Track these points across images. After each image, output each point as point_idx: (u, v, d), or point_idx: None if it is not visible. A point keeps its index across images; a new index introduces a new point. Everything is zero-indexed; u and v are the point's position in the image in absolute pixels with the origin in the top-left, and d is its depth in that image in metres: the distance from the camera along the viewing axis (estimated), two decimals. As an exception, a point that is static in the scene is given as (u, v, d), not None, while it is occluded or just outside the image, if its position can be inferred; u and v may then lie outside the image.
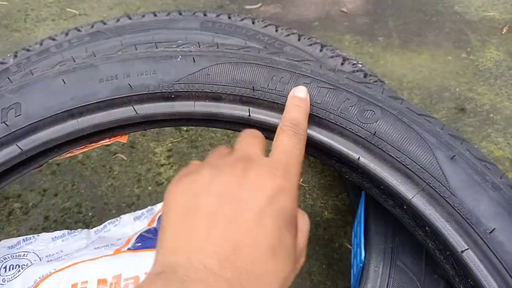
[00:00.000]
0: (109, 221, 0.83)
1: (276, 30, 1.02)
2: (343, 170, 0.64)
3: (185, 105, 0.64)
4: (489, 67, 1.14)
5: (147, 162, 1.00)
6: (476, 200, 0.53)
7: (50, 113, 0.62)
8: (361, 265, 0.65)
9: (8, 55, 1.03)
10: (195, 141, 1.04)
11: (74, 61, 0.65)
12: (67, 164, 1.01)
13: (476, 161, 0.57)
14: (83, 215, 0.90)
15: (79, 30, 1.09)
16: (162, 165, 0.99)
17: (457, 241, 0.52)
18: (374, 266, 0.62)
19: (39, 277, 0.69)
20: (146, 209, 0.85)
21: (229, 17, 1.07)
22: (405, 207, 0.57)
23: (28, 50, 1.06)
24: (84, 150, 0.68)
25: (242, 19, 1.06)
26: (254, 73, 0.63)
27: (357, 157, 0.59)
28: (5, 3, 1.53)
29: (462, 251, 0.52)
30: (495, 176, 0.56)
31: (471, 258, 0.52)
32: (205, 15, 1.09)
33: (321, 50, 0.97)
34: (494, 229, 0.51)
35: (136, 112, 0.64)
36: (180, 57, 0.65)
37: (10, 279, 0.70)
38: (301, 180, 0.95)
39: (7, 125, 0.60)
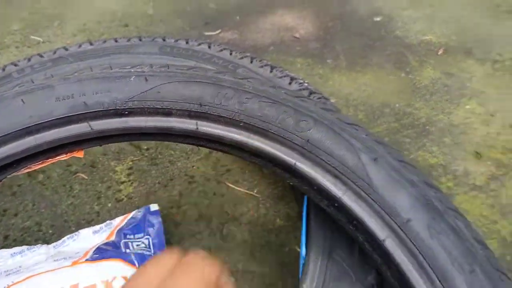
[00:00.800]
0: (68, 236, 0.85)
1: (231, 54, 1.10)
2: (284, 176, 0.71)
3: (138, 120, 0.70)
4: (425, 84, 1.26)
5: (107, 180, 1.03)
6: (395, 196, 0.61)
7: (8, 130, 0.66)
8: (302, 261, 0.71)
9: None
10: (155, 159, 1.08)
11: (33, 83, 0.70)
12: (28, 185, 1.02)
13: (396, 162, 0.65)
14: (43, 233, 0.92)
15: (41, 56, 1.13)
16: (122, 182, 1.03)
17: (379, 231, 0.60)
18: (313, 260, 0.68)
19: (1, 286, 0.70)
20: (105, 223, 0.88)
21: (187, 42, 1.14)
22: (336, 205, 0.64)
23: (-13, 76, 1.08)
24: (42, 165, 0.72)
25: (199, 44, 1.14)
26: (201, 90, 0.70)
27: (294, 162, 0.66)
28: (-33, 30, 1.55)
29: (384, 240, 0.59)
30: (412, 174, 0.65)
31: (391, 245, 0.59)
32: (164, 40, 1.16)
33: (271, 71, 1.05)
34: (410, 219, 0.59)
35: (91, 128, 0.68)
36: (133, 77, 0.71)
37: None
38: (255, 191, 1.01)
39: (-35, 142, 0.63)
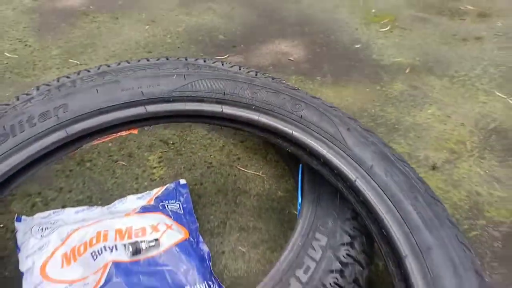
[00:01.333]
0: (117, 200, 1.09)
1: (239, 69, 1.40)
2: (284, 145, 0.97)
3: (179, 105, 0.97)
4: (395, 95, 1.56)
5: (142, 166, 1.28)
6: (363, 150, 0.88)
7: (86, 111, 0.92)
8: (299, 207, 0.96)
9: (32, 88, 1.32)
10: (179, 151, 1.34)
11: (104, 79, 0.98)
12: (78, 170, 1.27)
13: (364, 131, 0.93)
14: (94, 204, 1.15)
15: (88, 71, 1.42)
16: (155, 167, 1.28)
17: (352, 174, 0.86)
18: (306, 206, 0.93)
19: (71, 230, 0.94)
20: (146, 192, 1.13)
21: (204, 61, 1.44)
22: (322, 161, 0.90)
23: (47, 85, 1.36)
24: (107, 139, 0.98)
25: (214, 62, 1.44)
26: (224, 84, 0.98)
27: (291, 132, 0.93)
28: (15, 56, 1.84)
29: (354, 180, 0.85)
30: (375, 138, 0.92)
31: (361, 186, 0.85)
32: (186, 59, 1.46)
33: (272, 80, 1.35)
34: (372, 165, 0.85)
35: (146, 110, 0.95)
36: (175, 75, 0.99)
37: (47, 235, 0.94)
38: (261, 172, 1.26)
39: (58, 118, 0.90)
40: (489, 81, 1.62)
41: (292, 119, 0.94)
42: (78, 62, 1.77)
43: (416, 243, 0.76)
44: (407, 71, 1.69)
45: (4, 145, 0.84)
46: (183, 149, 1.34)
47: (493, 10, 2.14)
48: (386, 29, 1.99)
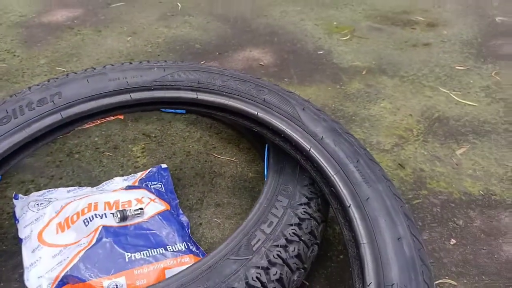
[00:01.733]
0: (105, 182, 1.22)
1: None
2: (251, 125, 1.14)
3: (160, 93, 1.13)
4: (353, 92, 1.76)
5: (127, 156, 1.41)
6: (315, 126, 1.05)
7: (78, 98, 1.07)
8: (266, 178, 1.11)
9: (24, 89, 1.44)
10: (161, 142, 1.48)
11: (94, 70, 1.13)
12: (68, 160, 1.38)
13: (316, 111, 1.10)
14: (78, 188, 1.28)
15: (75, 73, 1.55)
16: (138, 157, 1.41)
17: (306, 144, 1.02)
18: (271, 176, 1.09)
19: (64, 203, 1.06)
20: (131, 175, 1.26)
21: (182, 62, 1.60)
22: (283, 136, 1.07)
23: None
24: (97, 123, 1.12)
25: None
26: (199, 75, 1.14)
27: (256, 113, 1.09)
28: (4, 65, 1.96)
29: (309, 150, 1.01)
30: (325, 116, 1.09)
31: (314, 154, 1.01)
32: (165, 62, 1.61)
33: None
34: (323, 136, 1.03)
35: (131, 98, 1.10)
36: (155, 68, 1.15)
37: (43, 208, 1.06)
38: (234, 158, 1.41)
39: (54, 103, 1.04)
40: (435, 79, 1.84)
41: (257, 102, 1.11)
42: (64, 70, 1.91)
43: (358, 195, 0.93)
44: (363, 72, 1.90)
45: (7, 125, 0.97)
46: (164, 141, 1.48)
47: (440, 21, 2.41)
48: (346, 38, 2.21)
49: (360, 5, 2.65)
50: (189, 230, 1.10)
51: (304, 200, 1.03)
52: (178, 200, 1.20)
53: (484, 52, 2.07)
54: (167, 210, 1.10)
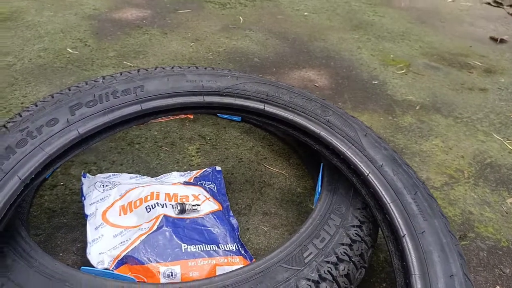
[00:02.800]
0: (163, 174, 1.29)
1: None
2: (312, 143, 1.18)
3: (230, 99, 1.19)
4: (405, 126, 1.77)
5: (183, 153, 1.48)
6: (375, 152, 1.08)
7: (158, 93, 1.15)
8: (317, 196, 1.14)
9: (98, 77, 1.55)
10: (215, 145, 1.54)
11: (173, 70, 1.21)
12: (128, 149, 1.47)
13: (377, 138, 1.13)
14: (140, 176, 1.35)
15: (163, 68, 1.65)
16: (193, 156, 1.48)
17: (365, 169, 1.05)
18: (325, 194, 1.12)
19: (128, 188, 1.13)
20: (187, 172, 1.32)
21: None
22: (342, 157, 1.11)
23: (112, 76, 1.59)
24: (170, 119, 1.19)
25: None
26: (268, 88, 1.20)
27: (319, 131, 1.14)
28: (76, 52, 2.11)
29: (367, 174, 1.04)
30: (385, 145, 1.12)
31: (372, 180, 1.04)
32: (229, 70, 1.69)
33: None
34: (382, 164, 1.05)
35: (204, 100, 1.18)
36: (229, 76, 1.22)
37: (108, 190, 1.13)
38: (284, 171, 1.45)
39: (136, 95, 1.12)
40: (489, 125, 1.83)
41: (320, 121, 1.15)
42: (131, 65, 2.03)
43: (413, 226, 0.95)
44: (417, 108, 1.91)
45: (94, 108, 1.06)
46: (218, 144, 1.55)
47: (498, 68, 2.40)
48: (402, 72, 2.24)
49: (417, 42, 2.67)
50: (238, 233, 1.15)
51: (357, 222, 1.05)
52: (229, 203, 1.25)
53: (542, 105, 2.04)
54: (220, 210, 1.15)
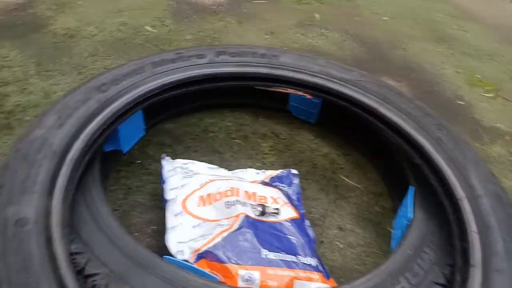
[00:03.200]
0: (240, 169, 1.24)
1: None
2: (413, 155, 1.08)
3: (348, 90, 1.20)
4: (494, 156, 1.62)
5: (256, 149, 1.42)
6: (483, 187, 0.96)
7: (290, 66, 1.23)
8: (407, 222, 1.04)
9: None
10: (288, 146, 1.47)
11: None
12: (203, 137, 1.43)
13: (488, 173, 1.01)
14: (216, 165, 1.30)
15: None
16: (266, 153, 1.42)
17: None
18: (419, 223, 1.02)
19: (208, 179, 1.09)
20: (262, 171, 1.26)
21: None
22: (445, 183, 1.00)
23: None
24: (287, 91, 1.29)
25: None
26: (385, 91, 1.20)
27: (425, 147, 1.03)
28: (155, 30, 2.11)
29: (459, 199, 0.93)
30: (495, 180, 1.00)
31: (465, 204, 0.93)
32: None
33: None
34: (481, 195, 0.94)
35: (323, 84, 1.22)
36: (356, 71, 1.14)
37: (188, 177, 1.09)
38: (361, 185, 1.36)
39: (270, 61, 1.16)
40: None
41: (432, 137, 1.07)
42: (207, 50, 1.99)
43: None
44: (506, 137, 1.74)
45: (234, 58, 1.27)
46: (291, 145, 1.48)
47: None
48: (490, 95, 2.06)
49: (506, 64, 2.45)
50: (315, 246, 1.07)
51: (451, 261, 0.95)
52: (304, 211, 1.17)
53: None
54: (298, 218, 1.08)
